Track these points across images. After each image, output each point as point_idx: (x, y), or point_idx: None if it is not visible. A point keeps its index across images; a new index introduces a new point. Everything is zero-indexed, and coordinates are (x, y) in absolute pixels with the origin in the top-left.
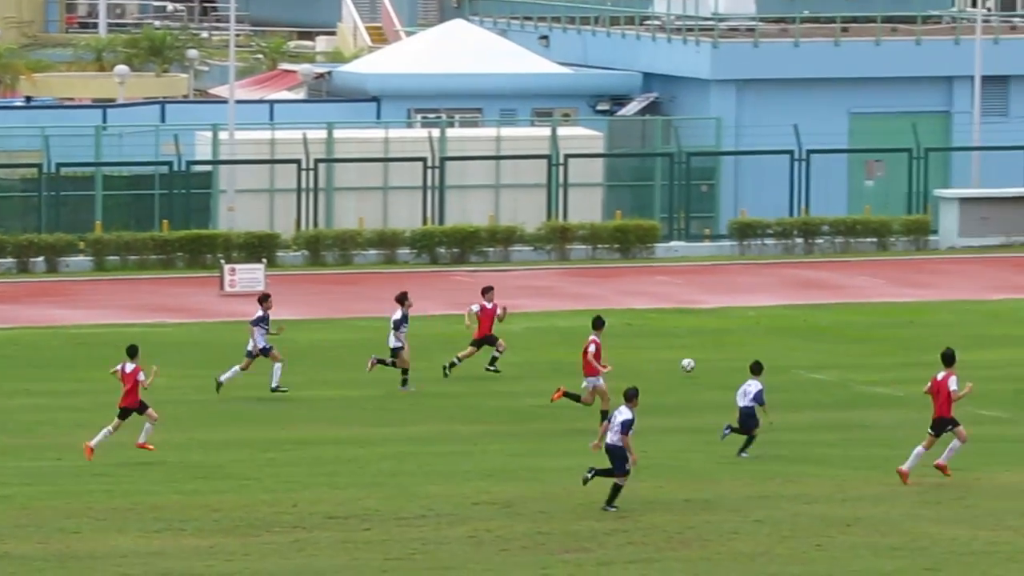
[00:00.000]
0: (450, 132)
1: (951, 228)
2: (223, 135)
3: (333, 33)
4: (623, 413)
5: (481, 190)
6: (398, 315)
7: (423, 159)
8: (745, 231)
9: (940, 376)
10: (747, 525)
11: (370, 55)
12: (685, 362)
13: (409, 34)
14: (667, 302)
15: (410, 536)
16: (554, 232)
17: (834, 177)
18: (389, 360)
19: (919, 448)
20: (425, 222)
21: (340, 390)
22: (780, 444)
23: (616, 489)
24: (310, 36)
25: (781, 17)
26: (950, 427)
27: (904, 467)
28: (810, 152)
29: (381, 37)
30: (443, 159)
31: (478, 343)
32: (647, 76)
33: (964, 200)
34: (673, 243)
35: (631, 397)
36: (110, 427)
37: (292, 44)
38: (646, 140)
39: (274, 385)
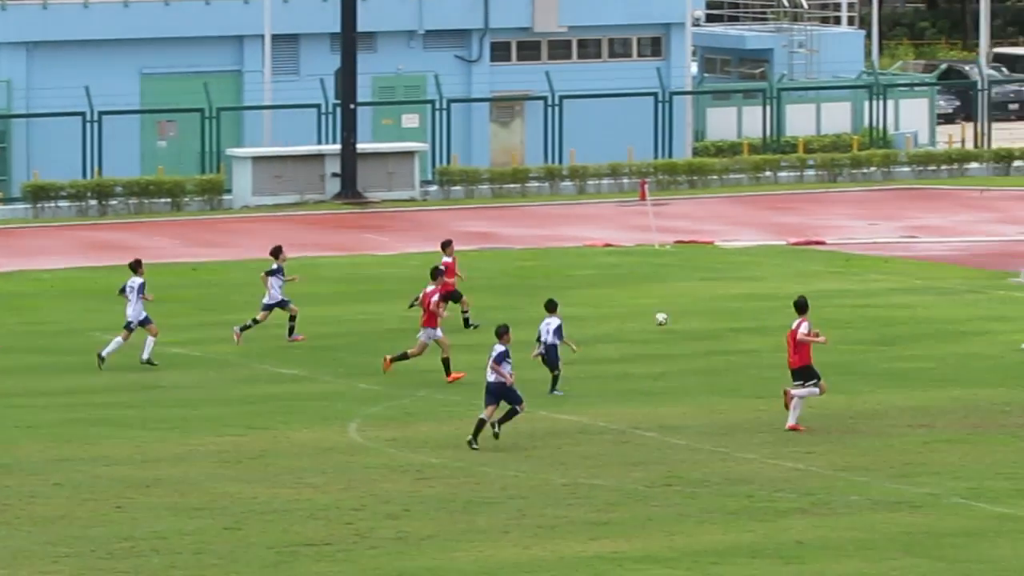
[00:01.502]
0: None
1: (245, 187)
2: None
3: None
4: (495, 349)
5: None
6: (273, 266)
7: None
8: (38, 194)
9: (794, 325)
10: (46, 488)
11: None
12: (660, 316)
13: None
14: None
15: None
16: None
17: (127, 138)
18: (250, 321)
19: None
20: None
21: None
22: (77, 407)
23: (512, 414)
24: None
25: None
26: (814, 380)
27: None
28: (102, 113)
29: None
30: None
31: (445, 298)
32: None
33: (257, 159)
34: None
35: (502, 334)
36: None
37: None
38: None
39: (145, 357)
